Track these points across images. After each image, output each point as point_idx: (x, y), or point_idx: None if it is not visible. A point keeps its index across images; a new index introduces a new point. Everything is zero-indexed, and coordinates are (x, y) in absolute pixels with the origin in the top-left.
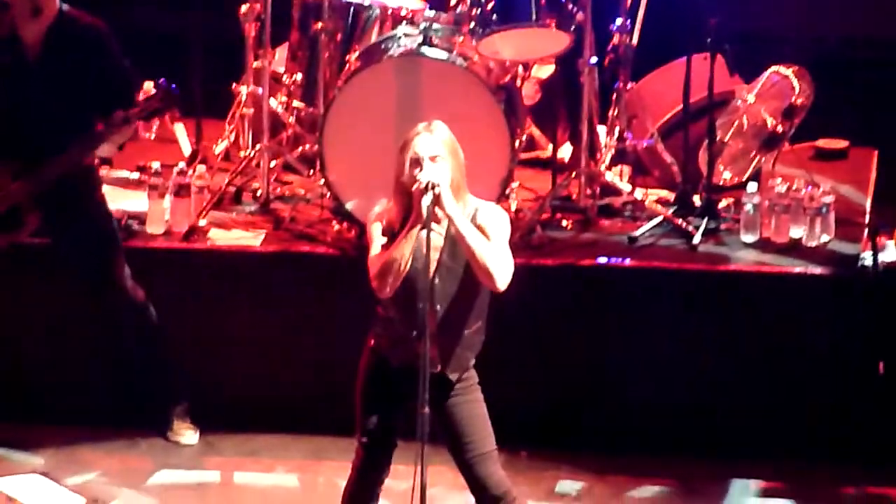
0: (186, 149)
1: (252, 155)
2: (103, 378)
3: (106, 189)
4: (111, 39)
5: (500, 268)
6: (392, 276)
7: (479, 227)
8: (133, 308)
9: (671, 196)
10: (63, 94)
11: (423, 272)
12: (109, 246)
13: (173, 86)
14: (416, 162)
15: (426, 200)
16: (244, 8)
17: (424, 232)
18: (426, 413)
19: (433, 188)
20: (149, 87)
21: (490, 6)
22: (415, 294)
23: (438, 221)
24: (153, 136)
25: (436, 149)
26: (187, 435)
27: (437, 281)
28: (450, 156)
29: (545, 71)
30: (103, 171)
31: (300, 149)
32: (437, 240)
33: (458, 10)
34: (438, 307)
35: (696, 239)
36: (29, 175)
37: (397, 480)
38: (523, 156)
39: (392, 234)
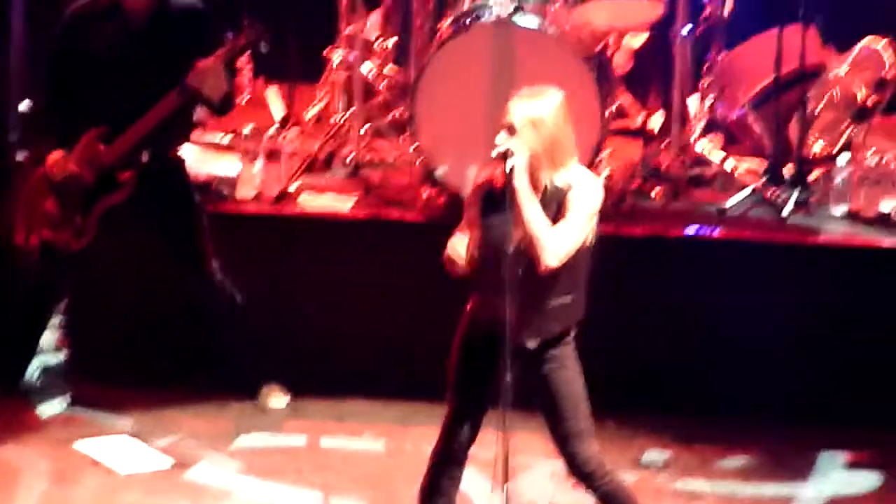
0: (278, 113)
1: (343, 120)
2: (193, 343)
3: (197, 152)
4: (210, 19)
5: (552, 245)
6: (452, 265)
7: (563, 197)
8: (220, 299)
9: (761, 167)
10: (158, 67)
11: (507, 240)
12: (199, 241)
13: (257, 21)
14: (503, 126)
15: (506, 166)
16: None
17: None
18: (508, 381)
19: (510, 156)
20: None
21: None
22: (501, 260)
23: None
24: (245, 101)
25: (518, 119)
26: (276, 399)
27: (521, 249)
28: (533, 129)
29: (638, 40)
30: (195, 135)
31: (391, 115)
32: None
33: None
34: (521, 275)
35: (786, 211)
36: (118, 138)
37: (486, 448)
38: (614, 125)
39: (491, 197)
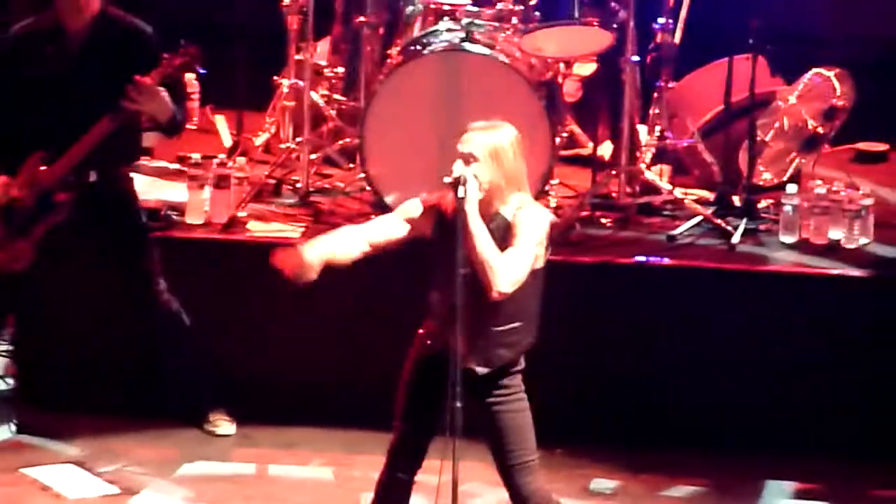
0: (227, 140)
1: (292, 147)
2: (140, 369)
3: (146, 179)
4: (150, 41)
5: (503, 272)
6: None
7: (510, 225)
8: (168, 320)
9: (711, 196)
10: (100, 89)
11: (457, 265)
12: (145, 261)
13: (193, 44)
14: (461, 156)
15: (458, 194)
16: (287, 0)
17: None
18: (458, 407)
19: (463, 183)
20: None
21: (533, 3)
22: (450, 286)
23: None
24: (194, 127)
25: (479, 149)
26: (224, 426)
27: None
28: (493, 159)
29: (587, 68)
30: (144, 161)
31: (341, 142)
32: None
33: (501, 6)
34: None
35: (736, 239)
36: (56, 160)
37: (431, 475)
38: (564, 153)
39: (441, 222)
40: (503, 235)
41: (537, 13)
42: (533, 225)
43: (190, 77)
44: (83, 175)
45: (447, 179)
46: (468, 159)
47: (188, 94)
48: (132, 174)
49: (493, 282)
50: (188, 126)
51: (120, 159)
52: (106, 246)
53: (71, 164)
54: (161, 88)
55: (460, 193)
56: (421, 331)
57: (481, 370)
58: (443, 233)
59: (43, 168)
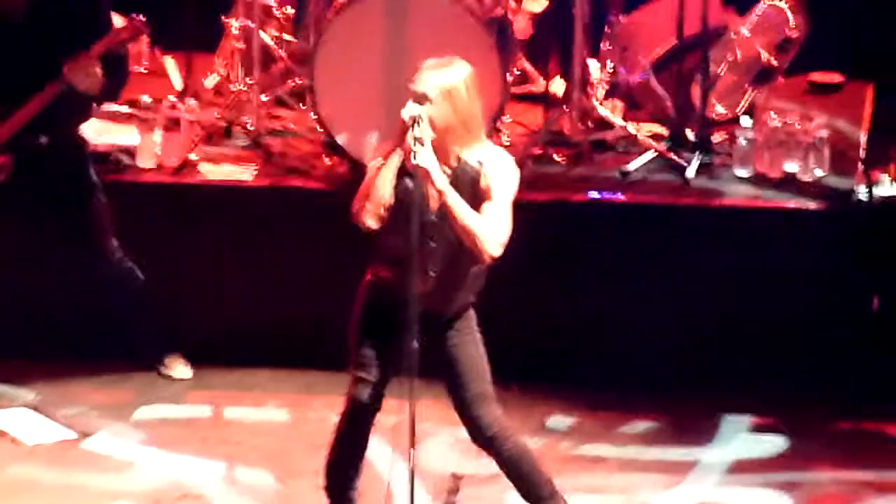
0: (177, 83)
1: (243, 89)
2: (94, 313)
3: (96, 123)
4: (93, 8)
5: (490, 239)
6: (369, 202)
7: (478, 178)
8: (121, 279)
9: (664, 131)
10: (47, 53)
11: (417, 208)
12: (98, 220)
13: (141, 17)
14: (413, 96)
15: (410, 135)
16: None
17: (417, 167)
18: (415, 347)
19: (417, 122)
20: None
21: None
22: (408, 230)
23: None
24: (144, 70)
25: (431, 89)
26: (179, 369)
27: (432, 218)
28: (447, 99)
29: (538, 5)
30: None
31: (291, 83)
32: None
33: None
34: (434, 245)
35: (690, 173)
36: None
37: (387, 415)
38: (515, 90)
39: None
40: (472, 190)
41: None
42: (505, 180)
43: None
44: (33, 138)
45: (406, 116)
46: (421, 99)
47: (127, 69)
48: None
49: (482, 249)
50: (139, 69)
51: (70, 122)
52: (58, 207)
53: (13, 130)
54: (96, 64)
55: (416, 133)
56: (368, 275)
57: (448, 314)
58: (399, 177)
59: None
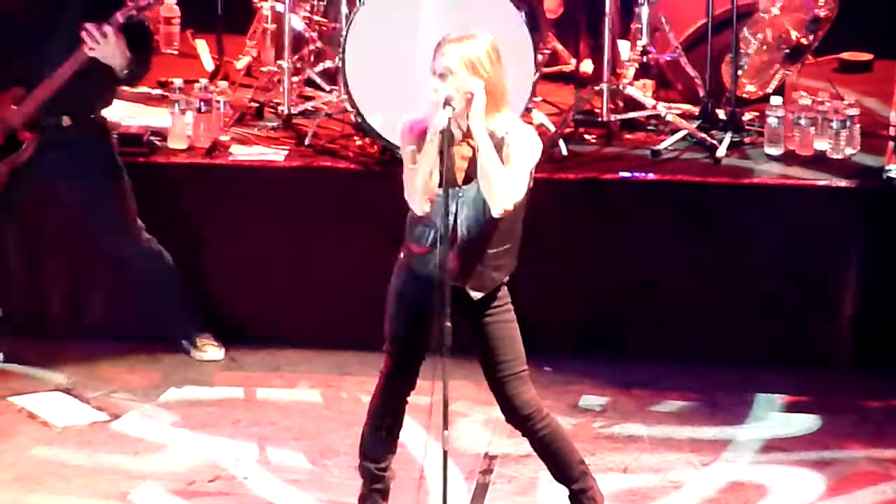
0: (208, 64)
1: (274, 71)
2: (126, 294)
3: (128, 105)
4: None
5: (504, 192)
6: (418, 192)
7: (501, 144)
8: (147, 260)
9: (695, 110)
10: (71, 29)
11: (445, 186)
12: (122, 203)
13: None
14: (433, 74)
15: (442, 115)
16: None
17: (444, 146)
18: (447, 326)
19: (449, 102)
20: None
21: None
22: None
23: (451, 137)
24: (175, 52)
25: (454, 62)
26: (211, 351)
27: (460, 195)
28: (471, 70)
29: None
30: (125, 88)
31: (322, 64)
32: (466, 150)
33: None
34: (461, 222)
35: (721, 152)
36: (24, 100)
37: (420, 395)
38: (546, 70)
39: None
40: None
41: None
42: (528, 147)
43: (171, 2)
44: (56, 118)
45: (439, 100)
46: (445, 74)
47: (151, 42)
48: (113, 104)
49: (496, 196)
50: (169, 51)
51: (93, 104)
52: (83, 189)
53: (35, 105)
54: (118, 34)
55: (448, 113)
56: (401, 253)
57: (476, 294)
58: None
59: (14, 107)
